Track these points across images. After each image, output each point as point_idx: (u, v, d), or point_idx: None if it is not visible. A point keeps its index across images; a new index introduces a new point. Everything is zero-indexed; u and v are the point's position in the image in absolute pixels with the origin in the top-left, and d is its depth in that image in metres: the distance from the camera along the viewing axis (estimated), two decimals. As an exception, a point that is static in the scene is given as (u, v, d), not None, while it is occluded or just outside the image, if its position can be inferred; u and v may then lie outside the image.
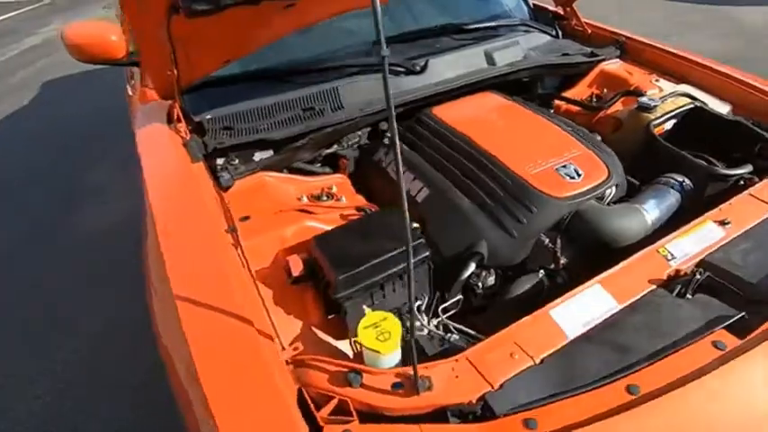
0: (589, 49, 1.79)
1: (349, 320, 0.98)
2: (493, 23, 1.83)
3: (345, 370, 0.80)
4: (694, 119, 1.44)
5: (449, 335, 0.94)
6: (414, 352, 0.73)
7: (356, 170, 1.47)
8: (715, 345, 0.82)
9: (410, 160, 1.33)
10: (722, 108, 1.50)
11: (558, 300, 0.92)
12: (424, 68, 1.57)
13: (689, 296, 0.94)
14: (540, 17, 2.04)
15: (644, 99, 1.46)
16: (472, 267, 1.10)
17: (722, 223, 1.08)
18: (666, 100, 1.47)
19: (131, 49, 1.56)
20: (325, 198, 1.28)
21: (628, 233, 1.11)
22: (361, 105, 1.45)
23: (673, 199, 1.23)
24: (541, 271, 1.14)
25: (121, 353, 1.95)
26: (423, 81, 1.55)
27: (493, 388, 0.78)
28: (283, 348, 0.84)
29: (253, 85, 1.49)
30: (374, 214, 1.11)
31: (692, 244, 1.04)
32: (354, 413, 0.73)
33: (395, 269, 0.99)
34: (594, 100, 1.68)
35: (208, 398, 0.70)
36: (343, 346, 1.03)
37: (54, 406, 1.82)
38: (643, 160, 1.38)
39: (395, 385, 0.79)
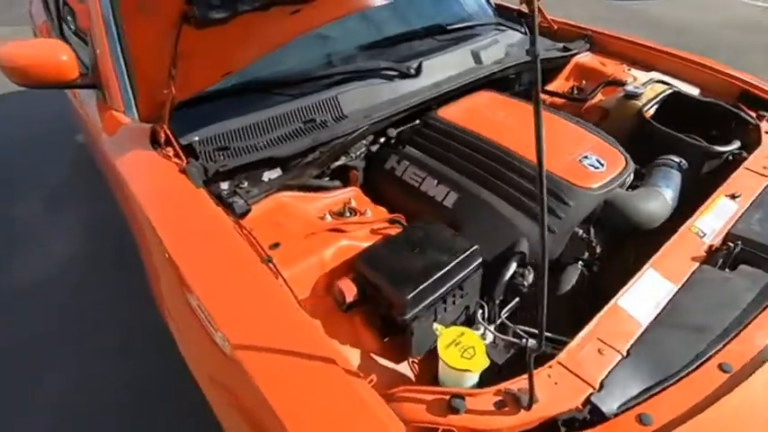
0: (561, 44, 1.87)
1: (415, 341, 0.92)
2: (471, 23, 1.84)
3: (446, 397, 0.74)
4: (673, 103, 1.55)
5: (524, 339, 0.91)
6: (531, 365, 0.69)
7: (366, 180, 1.40)
8: None
9: (428, 164, 1.28)
10: (692, 91, 1.63)
11: (623, 289, 0.93)
12: (418, 71, 1.54)
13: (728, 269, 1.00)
14: (505, 16, 2.10)
15: (630, 87, 1.54)
16: (514, 267, 1.09)
17: (733, 197, 1.17)
18: (647, 87, 1.57)
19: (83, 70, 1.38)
20: (348, 214, 1.19)
21: (655, 215, 1.15)
22: (364, 113, 1.39)
23: (677, 179, 1.30)
24: (579, 262, 1.15)
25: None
26: (419, 84, 1.52)
27: (595, 389, 0.76)
28: None
29: (237, 99, 1.37)
30: (415, 226, 1.05)
31: (715, 219, 1.11)
32: None
33: (456, 280, 0.95)
34: (576, 92, 1.76)
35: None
36: (402, 368, 0.97)
37: None
38: (636, 145, 1.45)
39: (497, 404, 0.74)
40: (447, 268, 0.93)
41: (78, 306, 2.03)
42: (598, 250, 1.14)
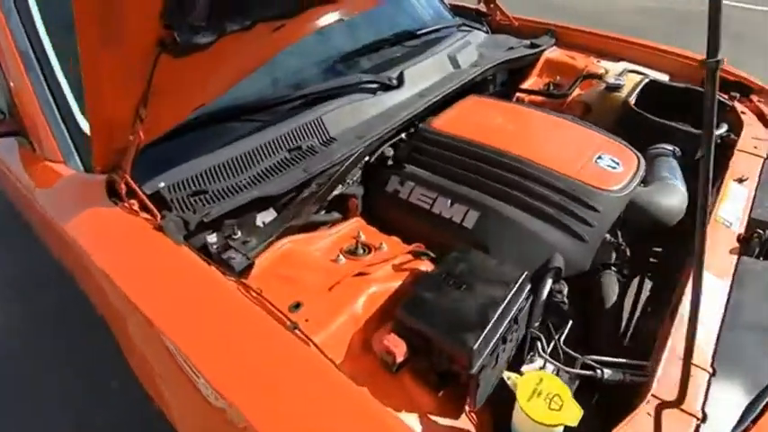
0: (527, 41, 1.84)
1: (480, 392, 0.80)
2: (439, 26, 1.76)
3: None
4: (651, 91, 1.56)
5: (598, 371, 0.82)
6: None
7: (366, 208, 1.26)
8: None
9: (436, 183, 1.17)
10: (663, 78, 1.66)
11: (680, 295, 0.87)
12: (401, 81, 1.42)
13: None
14: (463, 16, 2.05)
15: (611, 80, 1.53)
16: (549, 284, 1.01)
17: (740, 181, 1.17)
18: (625, 78, 1.57)
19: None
20: (361, 251, 1.04)
21: (676, 210, 1.13)
22: (354, 133, 1.25)
23: (679, 168, 1.30)
24: (612, 268, 1.09)
25: None
26: (404, 95, 1.40)
27: (699, 419, 0.69)
28: None
29: (204, 132, 1.17)
30: (450, 258, 0.93)
31: (732, 206, 1.10)
32: None
33: (512, 314, 0.84)
34: (553, 88, 1.73)
35: None
36: (462, 422, 0.85)
37: None
38: (624, 136, 1.44)
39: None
40: (504, 304, 0.82)
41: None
42: (628, 254, 1.09)
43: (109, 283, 0.87)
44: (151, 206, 0.95)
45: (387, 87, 1.40)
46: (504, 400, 0.84)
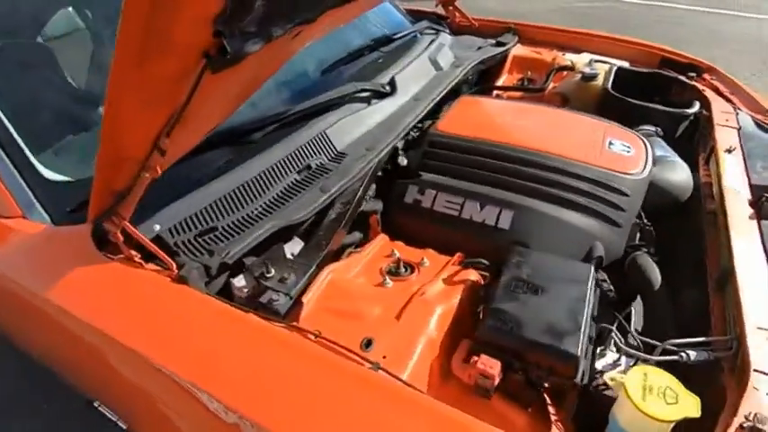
0: (492, 40, 1.87)
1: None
2: (409, 30, 1.73)
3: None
4: (620, 77, 1.64)
5: (683, 354, 0.80)
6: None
7: (385, 222, 1.17)
8: None
9: (460, 188, 1.12)
10: (624, 65, 1.76)
11: (733, 262, 0.88)
12: (393, 87, 1.36)
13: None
14: (422, 20, 2.04)
15: (586, 70, 1.59)
16: (597, 275, 0.99)
17: (729, 151, 1.25)
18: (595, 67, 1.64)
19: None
20: (404, 270, 0.96)
21: (687, 183, 1.18)
22: (362, 145, 1.17)
23: (667, 145, 1.36)
24: (642, 250, 1.11)
25: None
26: (399, 101, 1.34)
27: None
28: None
29: (196, 160, 1.02)
30: (512, 263, 0.87)
31: (734, 177, 1.17)
32: None
33: (592, 311, 0.80)
34: (527, 83, 1.77)
35: None
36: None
37: None
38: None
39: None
40: (588, 302, 0.78)
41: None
42: (653, 234, 1.12)
43: (132, 356, 0.70)
44: (163, 255, 0.79)
45: (380, 95, 1.33)
46: (589, 404, 0.80)
